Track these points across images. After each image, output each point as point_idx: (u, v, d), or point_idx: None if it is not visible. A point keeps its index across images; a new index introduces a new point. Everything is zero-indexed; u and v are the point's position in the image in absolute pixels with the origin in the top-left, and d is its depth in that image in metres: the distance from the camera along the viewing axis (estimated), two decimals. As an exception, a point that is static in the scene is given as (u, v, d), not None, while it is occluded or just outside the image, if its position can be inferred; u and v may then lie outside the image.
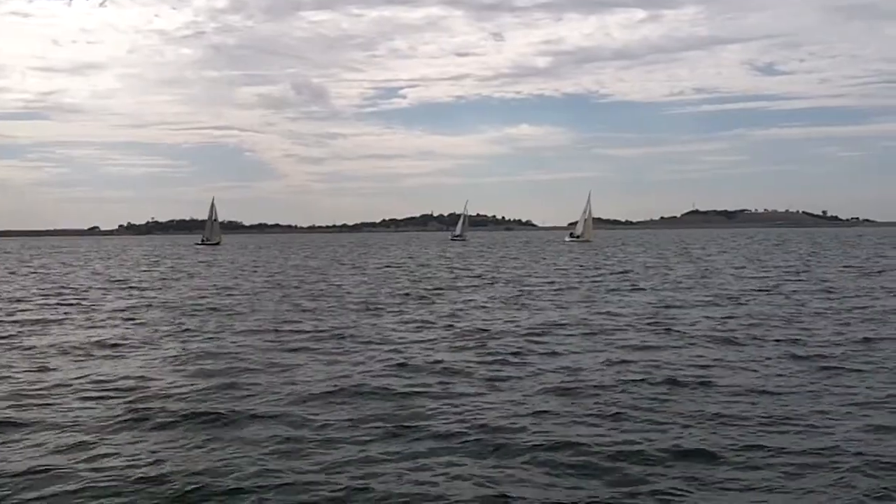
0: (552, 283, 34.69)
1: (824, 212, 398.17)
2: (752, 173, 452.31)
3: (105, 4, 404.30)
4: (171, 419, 10.50)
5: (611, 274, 40.61)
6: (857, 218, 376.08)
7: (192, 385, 12.62)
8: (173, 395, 11.90)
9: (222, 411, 10.78)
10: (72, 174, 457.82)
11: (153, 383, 12.89)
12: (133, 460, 8.81)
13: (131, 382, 12.93)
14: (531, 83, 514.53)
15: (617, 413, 10.51)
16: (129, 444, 9.45)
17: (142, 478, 8.18)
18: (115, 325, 21.08)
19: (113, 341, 17.79)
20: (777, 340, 16.61)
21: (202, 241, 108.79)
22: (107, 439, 9.63)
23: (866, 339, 16.48)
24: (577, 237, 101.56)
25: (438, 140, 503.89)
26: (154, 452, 9.11)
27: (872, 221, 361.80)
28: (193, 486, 7.90)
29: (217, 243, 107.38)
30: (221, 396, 11.78)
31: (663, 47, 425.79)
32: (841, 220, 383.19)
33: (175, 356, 15.61)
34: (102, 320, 22.30)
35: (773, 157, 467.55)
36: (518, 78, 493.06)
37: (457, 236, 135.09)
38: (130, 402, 11.53)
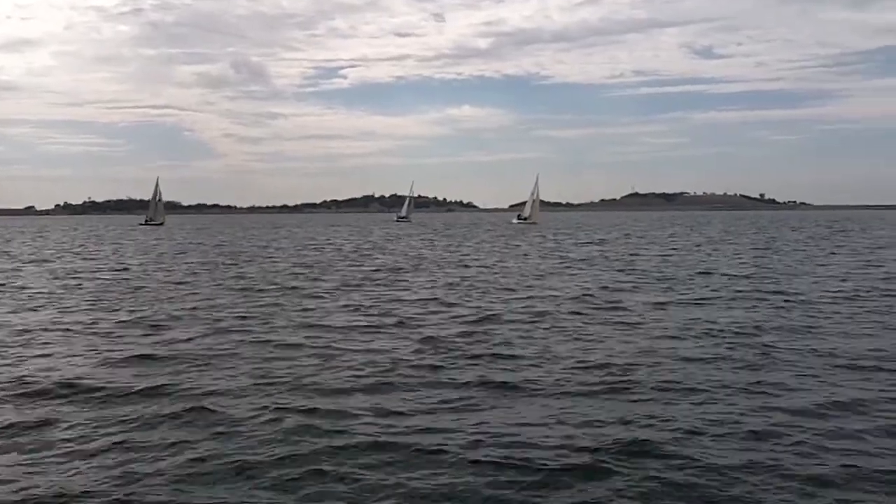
0: (496, 265, 34.66)
1: (762, 195, 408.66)
2: (692, 156, 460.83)
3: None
4: (85, 421, 9.90)
5: (560, 257, 40.74)
6: (795, 201, 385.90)
7: (111, 379, 11.99)
8: (88, 389, 11.29)
9: (140, 414, 10.15)
10: (7, 153, 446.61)
11: (70, 377, 12.16)
12: (35, 471, 8.22)
13: (47, 377, 12.25)
14: (472, 64, 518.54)
15: (552, 409, 10.21)
16: (35, 452, 8.79)
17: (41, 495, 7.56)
18: (51, 310, 20.36)
19: (46, 327, 17.15)
20: (710, 327, 16.47)
21: (146, 220, 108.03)
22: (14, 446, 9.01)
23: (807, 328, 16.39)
24: (525, 219, 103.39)
25: (380, 121, 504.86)
26: (61, 464, 8.42)
27: (809, 205, 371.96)
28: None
29: (161, 223, 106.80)
30: (140, 391, 11.18)
31: (602, 30, 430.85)
32: (778, 202, 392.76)
33: (101, 345, 14.97)
34: (40, 304, 21.56)
35: (712, 139, 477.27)
36: (459, 59, 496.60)
37: (402, 217, 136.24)
38: (39, 401, 10.88)
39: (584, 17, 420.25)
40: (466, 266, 34.73)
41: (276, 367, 12.71)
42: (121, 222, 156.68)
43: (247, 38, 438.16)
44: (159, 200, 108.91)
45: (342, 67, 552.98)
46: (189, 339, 15.41)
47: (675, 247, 50.64)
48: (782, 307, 19.71)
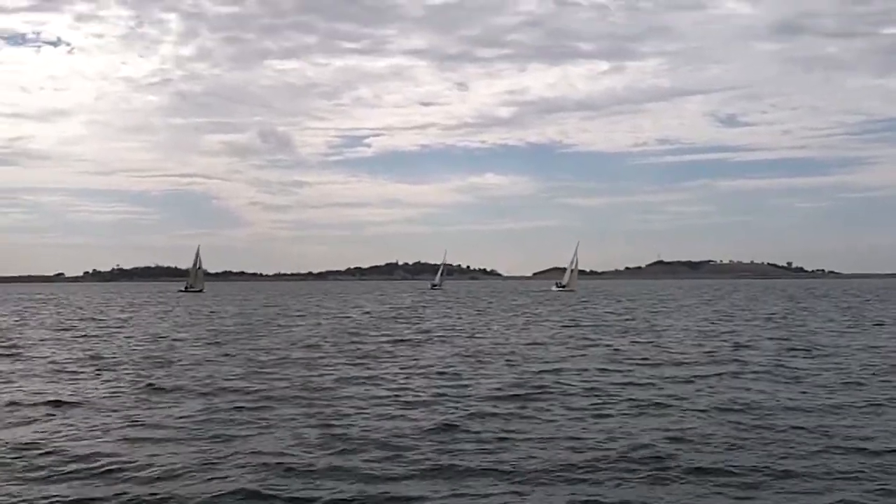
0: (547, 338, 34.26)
1: (789, 263, 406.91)
2: (718, 224, 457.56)
3: (73, 52, 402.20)
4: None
5: (607, 326, 40.81)
6: (823, 269, 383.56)
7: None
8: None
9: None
10: (37, 220, 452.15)
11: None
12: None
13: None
14: (495, 133, 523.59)
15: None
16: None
17: None
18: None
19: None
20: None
21: (186, 288, 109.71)
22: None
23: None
24: (563, 286, 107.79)
25: (403, 189, 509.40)
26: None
27: (838, 273, 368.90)
28: None
29: (200, 290, 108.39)
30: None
31: (626, 98, 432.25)
32: (806, 271, 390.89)
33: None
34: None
35: (738, 208, 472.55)
36: (482, 127, 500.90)
37: (435, 285, 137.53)
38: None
39: (608, 85, 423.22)
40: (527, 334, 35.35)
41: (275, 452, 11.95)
42: (156, 289, 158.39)
43: (273, 107, 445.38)
44: (199, 268, 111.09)
45: (367, 136, 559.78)
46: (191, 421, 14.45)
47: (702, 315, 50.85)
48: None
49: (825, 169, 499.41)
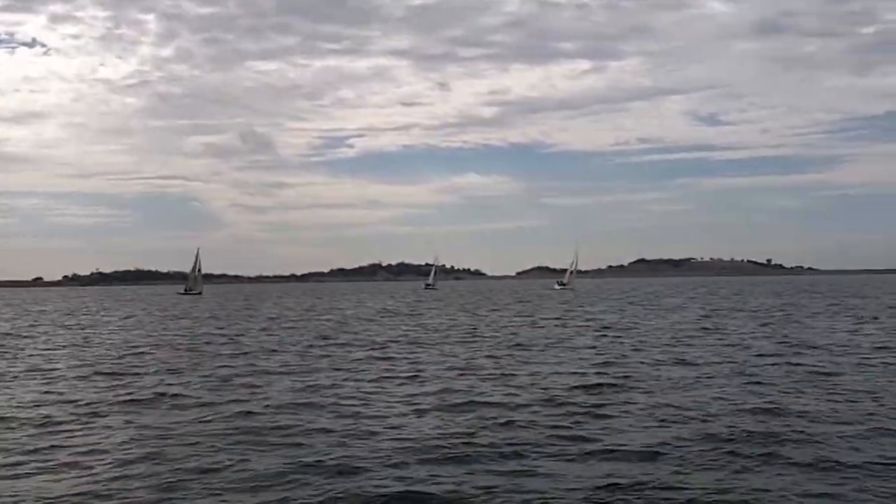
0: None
1: (769, 260, 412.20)
2: (698, 222, 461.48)
3: (49, 53, 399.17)
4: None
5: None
6: (801, 266, 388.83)
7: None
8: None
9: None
10: (15, 224, 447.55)
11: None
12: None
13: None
14: (477, 133, 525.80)
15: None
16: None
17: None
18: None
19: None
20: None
21: (185, 290, 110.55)
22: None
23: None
24: (564, 285, 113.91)
25: (386, 189, 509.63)
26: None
27: (816, 270, 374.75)
28: None
29: (199, 293, 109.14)
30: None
31: (607, 98, 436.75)
32: (785, 268, 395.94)
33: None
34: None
35: (718, 206, 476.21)
36: (464, 127, 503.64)
37: (429, 285, 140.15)
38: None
39: (589, 85, 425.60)
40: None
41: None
42: (148, 292, 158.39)
43: (254, 108, 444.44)
44: (199, 271, 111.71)
45: (348, 137, 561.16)
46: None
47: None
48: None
49: (803, 167, 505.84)
